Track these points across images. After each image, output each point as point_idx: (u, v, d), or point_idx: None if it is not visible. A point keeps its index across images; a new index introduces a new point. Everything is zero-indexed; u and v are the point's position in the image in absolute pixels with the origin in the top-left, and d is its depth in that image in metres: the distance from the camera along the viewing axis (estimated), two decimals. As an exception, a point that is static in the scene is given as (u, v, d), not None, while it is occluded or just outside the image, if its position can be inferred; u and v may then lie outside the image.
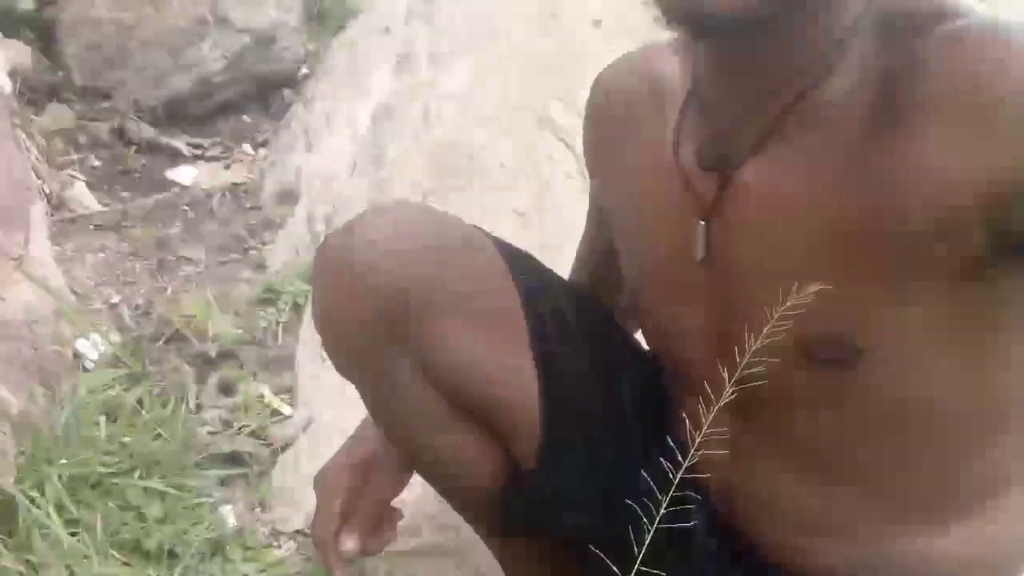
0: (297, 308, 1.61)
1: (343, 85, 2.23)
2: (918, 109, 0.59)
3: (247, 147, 2.30)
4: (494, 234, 0.89)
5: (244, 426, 1.38)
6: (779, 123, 0.67)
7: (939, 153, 0.58)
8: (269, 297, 1.64)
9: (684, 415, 0.66)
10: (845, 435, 0.72)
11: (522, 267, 0.88)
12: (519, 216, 1.66)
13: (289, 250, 1.82)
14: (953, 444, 0.70)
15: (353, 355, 0.84)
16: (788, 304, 0.57)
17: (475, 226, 0.88)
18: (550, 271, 0.93)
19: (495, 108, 1.89)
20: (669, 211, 0.76)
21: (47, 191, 1.87)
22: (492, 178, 1.74)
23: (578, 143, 0.99)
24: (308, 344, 1.50)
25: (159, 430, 1.28)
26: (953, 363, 0.66)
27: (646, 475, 0.61)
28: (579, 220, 1.04)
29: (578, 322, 0.89)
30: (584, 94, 0.92)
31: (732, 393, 0.57)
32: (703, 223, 0.73)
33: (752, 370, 0.57)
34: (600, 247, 0.96)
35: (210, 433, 1.36)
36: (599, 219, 0.95)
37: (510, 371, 0.83)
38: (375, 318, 0.78)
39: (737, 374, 0.57)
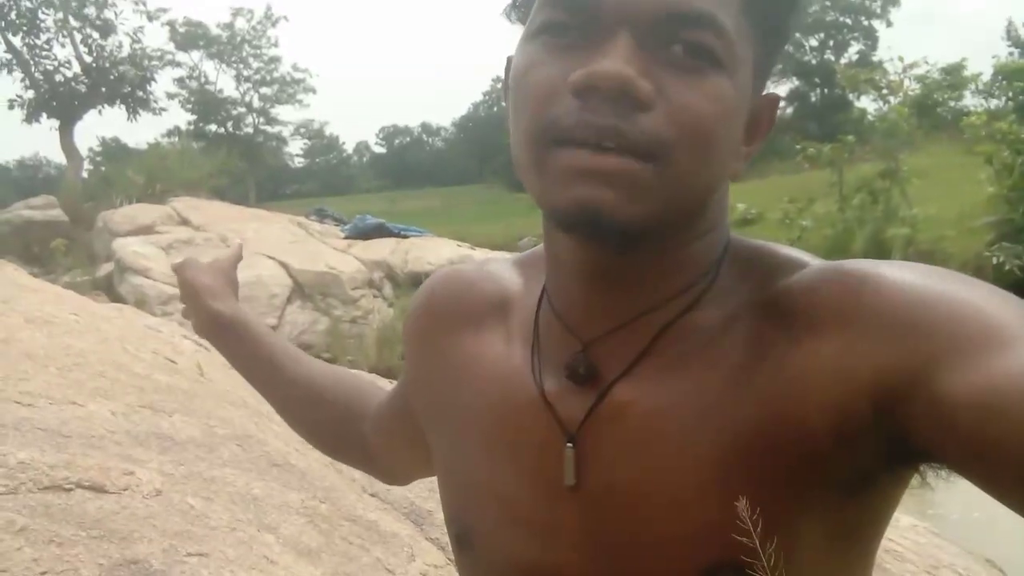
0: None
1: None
2: (808, 326, 0.62)
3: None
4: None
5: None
6: (658, 341, 0.68)
7: (833, 360, 0.60)
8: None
9: None
10: None
11: None
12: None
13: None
14: None
15: None
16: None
17: None
18: None
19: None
20: (525, 434, 0.73)
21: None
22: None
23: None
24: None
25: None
26: (829, 572, 0.67)
27: None
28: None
29: None
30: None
31: None
32: (570, 446, 0.70)
33: None
34: (400, 418, 0.95)
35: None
36: (404, 410, 0.93)
37: None
38: None
39: None
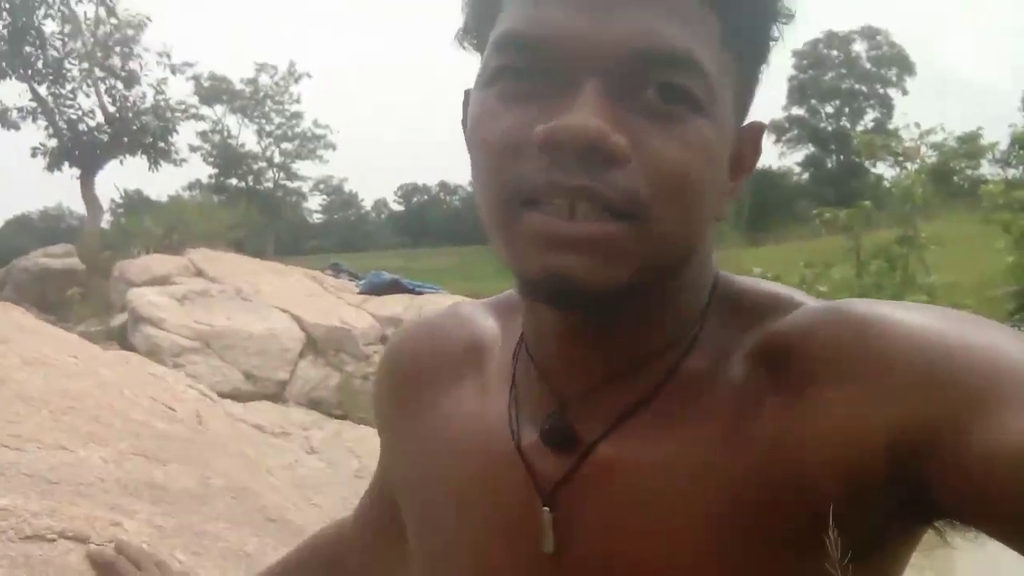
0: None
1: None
2: (808, 375, 0.57)
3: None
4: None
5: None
6: (649, 398, 0.63)
7: (841, 414, 0.55)
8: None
9: None
10: None
11: None
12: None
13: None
14: None
15: None
16: None
17: None
18: None
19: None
20: (502, 494, 0.67)
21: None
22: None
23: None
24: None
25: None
26: None
27: None
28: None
29: None
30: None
31: None
32: (547, 510, 0.65)
33: None
34: (385, 506, 0.88)
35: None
36: (385, 480, 0.88)
37: None
38: None
39: None
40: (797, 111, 46.24)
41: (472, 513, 0.70)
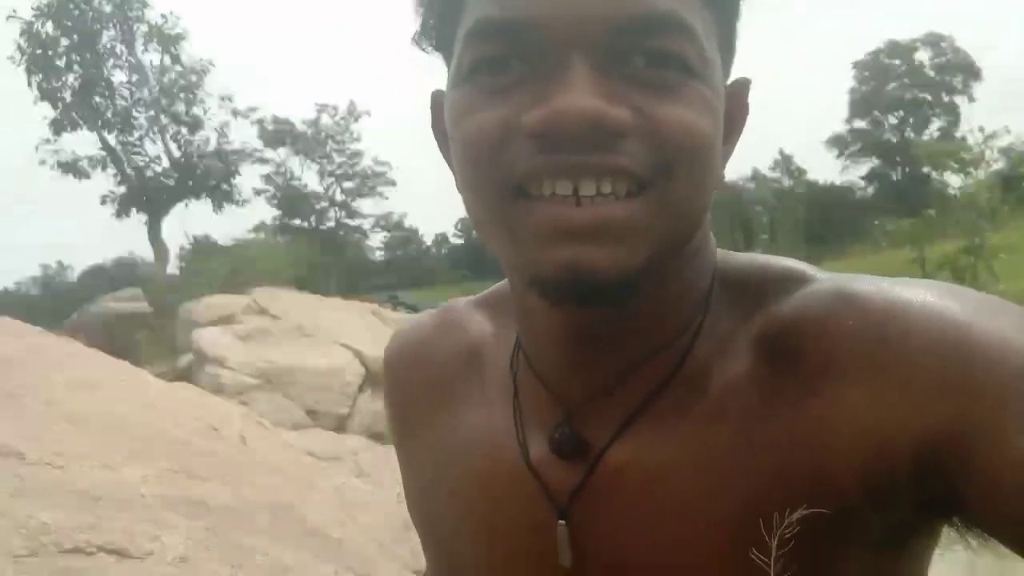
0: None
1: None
2: (825, 371, 0.54)
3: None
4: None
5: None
6: (656, 395, 0.60)
7: (865, 414, 0.52)
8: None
9: None
10: None
11: None
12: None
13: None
14: None
15: None
16: None
17: None
18: None
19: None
20: (515, 508, 0.64)
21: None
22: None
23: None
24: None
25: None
26: None
27: None
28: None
29: None
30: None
31: None
32: (563, 524, 0.61)
33: None
34: None
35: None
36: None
37: None
38: None
39: None
40: (859, 124, 45.29)
41: (487, 532, 0.67)
